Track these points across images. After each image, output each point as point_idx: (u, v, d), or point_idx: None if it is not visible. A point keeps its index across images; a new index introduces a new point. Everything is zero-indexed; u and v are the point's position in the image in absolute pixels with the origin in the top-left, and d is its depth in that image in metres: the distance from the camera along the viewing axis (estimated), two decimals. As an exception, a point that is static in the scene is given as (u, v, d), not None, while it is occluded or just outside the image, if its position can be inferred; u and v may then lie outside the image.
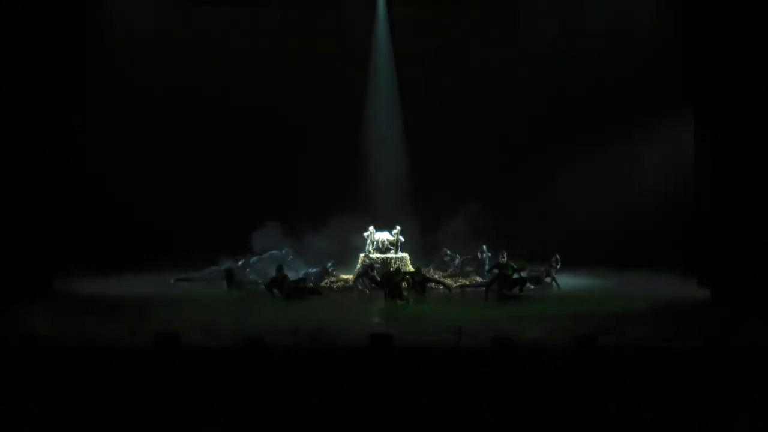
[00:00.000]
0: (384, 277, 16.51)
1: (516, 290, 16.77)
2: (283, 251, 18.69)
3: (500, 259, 17.15)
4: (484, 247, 18.89)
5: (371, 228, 18.38)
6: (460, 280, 18.36)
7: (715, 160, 16.63)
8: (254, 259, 18.60)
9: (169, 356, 10.60)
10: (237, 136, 20.21)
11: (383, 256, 18.07)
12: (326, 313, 14.58)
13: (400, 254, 18.27)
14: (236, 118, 20.21)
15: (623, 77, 19.79)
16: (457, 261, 19.00)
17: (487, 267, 18.45)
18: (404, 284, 16.10)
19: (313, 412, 8.87)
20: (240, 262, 18.34)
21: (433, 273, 18.46)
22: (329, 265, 17.97)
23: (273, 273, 17.34)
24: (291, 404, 9.03)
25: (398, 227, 18.55)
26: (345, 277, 18.13)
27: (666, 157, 19.23)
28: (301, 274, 17.77)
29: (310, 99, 20.20)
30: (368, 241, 18.35)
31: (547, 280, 17.75)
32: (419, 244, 19.17)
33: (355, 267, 18.25)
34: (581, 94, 20.01)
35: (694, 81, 17.50)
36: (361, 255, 18.25)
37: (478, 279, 18.36)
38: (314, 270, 17.95)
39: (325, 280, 17.76)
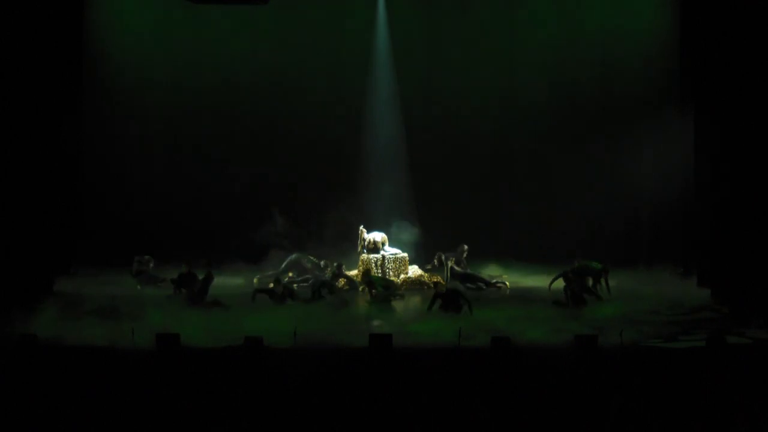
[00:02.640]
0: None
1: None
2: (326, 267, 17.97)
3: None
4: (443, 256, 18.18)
5: (362, 228, 18.36)
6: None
7: (715, 159, 16.63)
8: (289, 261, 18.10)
9: (169, 357, 10.62)
10: (235, 135, 20.19)
11: (375, 255, 18.03)
12: (325, 314, 14.58)
13: (400, 254, 18.22)
14: (235, 118, 20.19)
15: (623, 77, 19.79)
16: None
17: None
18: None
19: (312, 413, 8.88)
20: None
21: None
22: (328, 265, 17.77)
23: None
24: (290, 405, 9.03)
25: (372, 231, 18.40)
26: (351, 273, 18.02)
27: (666, 157, 19.23)
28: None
29: (310, 99, 20.19)
30: (359, 240, 18.32)
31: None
32: (419, 246, 19.09)
33: (356, 268, 18.22)
34: (581, 94, 20.01)
35: (694, 81, 17.50)
36: (363, 256, 18.21)
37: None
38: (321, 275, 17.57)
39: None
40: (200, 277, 15.74)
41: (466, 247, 18.11)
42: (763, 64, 15.45)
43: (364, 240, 18.28)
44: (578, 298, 15.06)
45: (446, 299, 14.73)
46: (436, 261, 18.19)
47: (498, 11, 20.38)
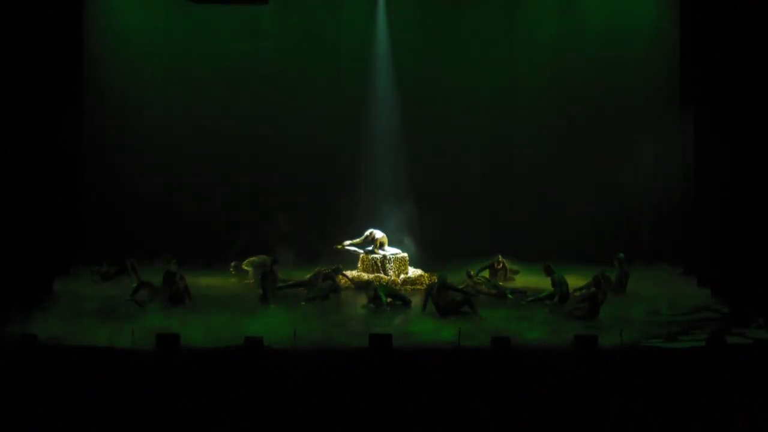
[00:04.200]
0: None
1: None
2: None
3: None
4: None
5: (372, 231, 18.30)
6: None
7: (715, 159, 16.63)
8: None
9: (169, 357, 10.63)
10: (236, 135, 20.18)
11: (374, 255, 18.01)
12: (325, 314, 14.57)
13: (400, 254, 18.21)
14: (235, 118, 20.18)
15: (624, 76, 19.79)
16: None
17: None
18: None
19: (313, 413, 8.89)
20: None
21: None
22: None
23: None
24: (291, 405, 9.04)
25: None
26: (351, 274, 18.00)
27: (666, 157, 19.24)
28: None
29: (310, 98, 20.18)
30: (369, 241, 18.28)
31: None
32: (419, 246, 19.09)
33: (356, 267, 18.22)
34: (582, 94, 19.99)
35: (695, 80, 17.51)
36: (363, 256, 18.19)
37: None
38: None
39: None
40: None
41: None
42: (763, 63, 15.45)
43: (373, 241, 18.18)
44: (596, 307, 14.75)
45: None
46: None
47: (498, 10, 20.38)
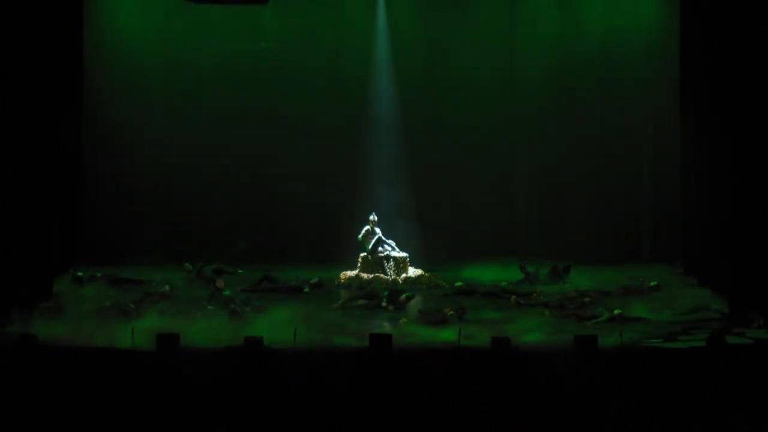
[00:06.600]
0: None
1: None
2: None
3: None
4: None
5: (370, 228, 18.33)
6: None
7: (715, 158, 16.61)
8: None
9: (169, 357, 10.63)
10: (236, 135, 20.18)
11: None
12: (324, 314, 14.57)
13: (399, 254, 18.20)
14: (235, 118, 20.18)
15: (624, 74, 19.80)
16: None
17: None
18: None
19: (313, 414, 8.89)
20: None
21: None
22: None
23: None
24: (291, 405, 9.04)
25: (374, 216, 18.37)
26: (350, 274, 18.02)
27: (666, 156, 19.24)
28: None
29: (311, 99, 20.18)
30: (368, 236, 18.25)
31: None
32: (421, 247, 19.11)
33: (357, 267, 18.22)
34: (582, 93, 19.98)
35: (694, 78, 17.52)
36: (362, 255, 18.20)
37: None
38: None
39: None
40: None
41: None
42: (764, 63, 15.43)
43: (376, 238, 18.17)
44: None
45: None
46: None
47: (498, 9, 20.37)
